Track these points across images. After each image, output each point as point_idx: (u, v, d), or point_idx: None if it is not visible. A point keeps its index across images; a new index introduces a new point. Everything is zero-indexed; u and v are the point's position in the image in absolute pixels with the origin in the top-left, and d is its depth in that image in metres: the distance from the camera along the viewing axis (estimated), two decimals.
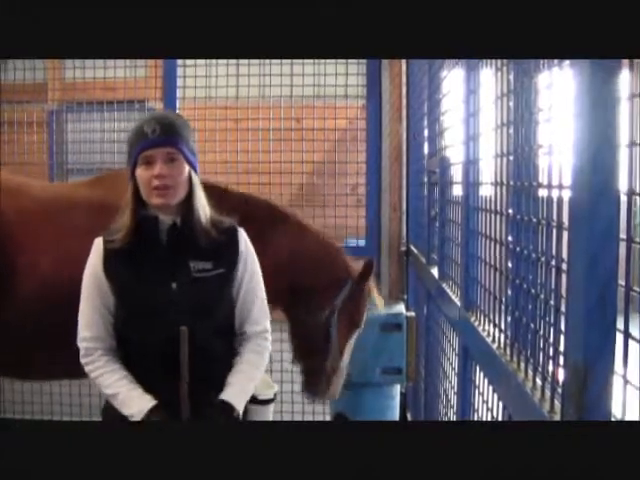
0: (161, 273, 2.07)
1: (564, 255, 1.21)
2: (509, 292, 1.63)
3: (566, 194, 1.21)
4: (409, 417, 4.05)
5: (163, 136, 2.03)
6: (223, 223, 2.16)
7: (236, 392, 2.09)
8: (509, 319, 1.62)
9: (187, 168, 2.07)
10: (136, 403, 2.01)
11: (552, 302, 1.31)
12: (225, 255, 2.12)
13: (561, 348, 1.23)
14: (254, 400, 2.21)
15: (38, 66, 4.43)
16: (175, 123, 2.09)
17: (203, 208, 2.10)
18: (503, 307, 1.69)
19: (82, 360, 2.10)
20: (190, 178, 2.08)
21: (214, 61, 4.13)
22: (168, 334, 2.03)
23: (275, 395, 2.55)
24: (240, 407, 2.08)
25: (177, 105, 4.09)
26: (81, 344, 2.10)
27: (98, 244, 2.12)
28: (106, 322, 2.09)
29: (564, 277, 1.21)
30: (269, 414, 3.33)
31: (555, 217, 1.30)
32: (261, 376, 2.24)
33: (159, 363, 2.05)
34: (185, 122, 2.16)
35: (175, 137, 2.05)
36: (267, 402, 3.02)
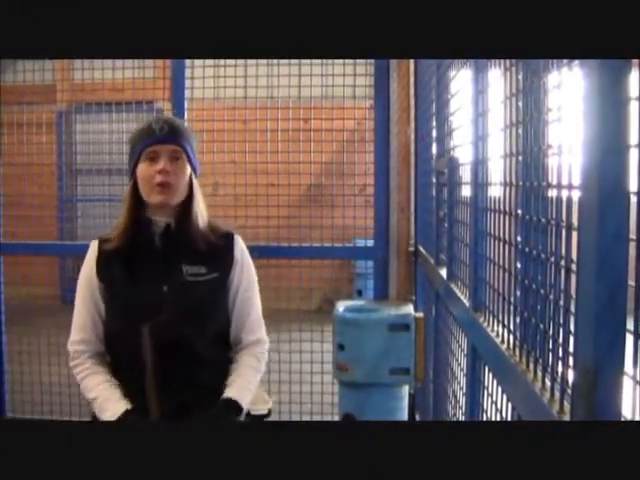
0: (153, 275, 2.04)
1: (573, 256, 1.20)
2: (518, 293, 1.63)
3: (575, 194, 1.20)
4: (417, 418, 4.04)
5: (170, 134, 2.04)
6: (220, 229, 2.15)
7: (240, 390, 2.08)
8: (518, 320, 1.61)
9: (189, 170, 2.07)
10: (110, 408, 1.98)
11: (561, 303, 1.31)
12: (220, 260, 2.09)
13: (570, 349, 1.23)
14: (247, 415, 2.20)
15: (47, 67, 4.44)
16: (181, 125, 2.11)
17: (201, 212, 2.09)
18: (512, 308, 1.68)
19: (70, 363, 2.08)
20: (191, 181, 2.08)
21: (222, 62, 4.14)
22: (158, 337, 2.01)
23: (270, 411, 2.52)
24: (245, 405, 2.07)
25: (185, 105, 4.10)
26: (71, 347, 2.08)
27: (94, 245, 2.11)
28: (97, 326, 2.07)
29: (573, 278, 1.20)
30: None
31: (564, 217, 1.30)
32: (258, 382, 2.21)
33: (147, 367, 2.02)
34: (191, 128, 2.18)
35: (181, 137, 2.06)
36: (261, 418, 3.03)
